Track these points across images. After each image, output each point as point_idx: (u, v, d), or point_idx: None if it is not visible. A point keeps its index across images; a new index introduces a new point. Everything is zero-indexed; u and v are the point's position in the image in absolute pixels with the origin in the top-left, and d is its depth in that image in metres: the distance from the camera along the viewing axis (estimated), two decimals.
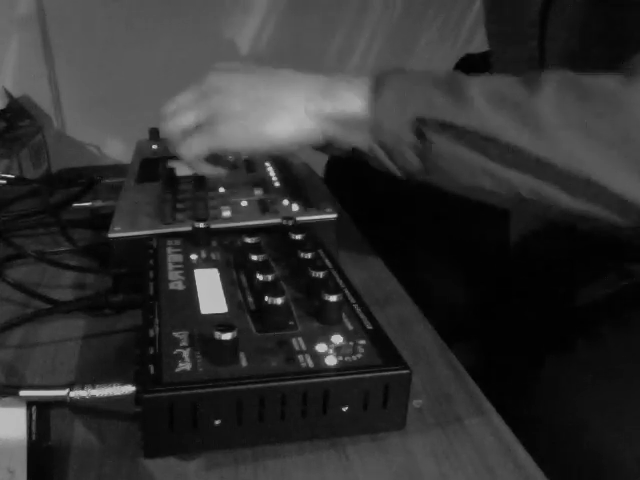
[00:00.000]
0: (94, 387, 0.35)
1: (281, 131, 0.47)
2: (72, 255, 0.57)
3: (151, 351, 0.33)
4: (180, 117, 0.50)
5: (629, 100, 0.38)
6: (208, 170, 0.53)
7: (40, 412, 0.36)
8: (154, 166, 0.68)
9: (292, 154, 0.70)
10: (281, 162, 0.68)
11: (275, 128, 0.47)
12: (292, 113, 0.47)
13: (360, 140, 0.46)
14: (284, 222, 0.50)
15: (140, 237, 0.50)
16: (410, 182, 0.47)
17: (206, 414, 0.31)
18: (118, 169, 0.79)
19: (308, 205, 0.55)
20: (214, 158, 0.52)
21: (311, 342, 0.35)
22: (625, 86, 0.38)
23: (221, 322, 0.33)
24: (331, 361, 0.33)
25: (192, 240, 0.48)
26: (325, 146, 0.49)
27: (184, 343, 0.34)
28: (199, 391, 0.31)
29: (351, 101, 0.46)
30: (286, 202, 0.55)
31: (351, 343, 0.35)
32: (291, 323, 0.37)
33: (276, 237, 0.49)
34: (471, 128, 0.41)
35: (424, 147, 0.43)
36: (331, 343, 0.35)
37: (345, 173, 0.78)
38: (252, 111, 0.47)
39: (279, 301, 0.36)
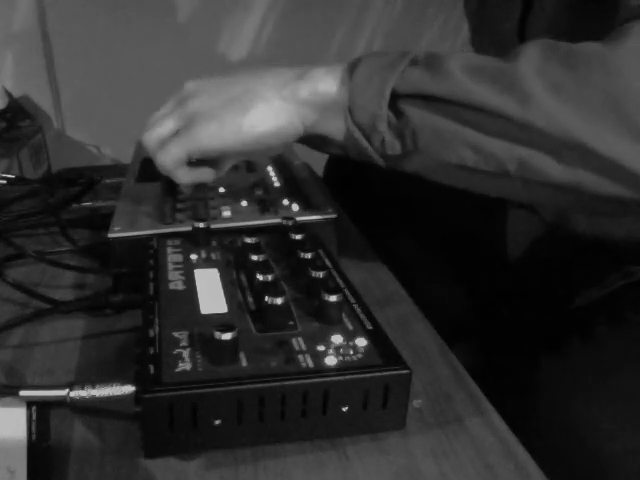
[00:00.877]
0: (94, 387, 0.35)
1: (258, 123, 0.46)
2: (72, 255, 0.57)
3: (151, 351, 0.33)
4: (158, 127, 0.49)
5: (614, 62, 0.37)
6: (190, 178, 0.50)
7: (40, 412, 0.36)
8: (154, 166, 0.68)
9: (291, 153, 0.71)
10: (281, 162, 0.69)
11: (252, 121, 0.46)
12: (267, 104, 0.46)
13: (338, 124, 0.45)
14: (284, 222, 0.50)
15: (140, 237, 0.50)
16: (398, 177, 0.46)
17: (206, 414, 0.31)
18: (118, 169, 0.79)
19: (308, 205, 0.55)
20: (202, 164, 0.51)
21: (311, 342, 0.35)
22: (610, 49, 0.37)
23: (221, 322, 0.33)
24: (331, 361, 0.33)
25: (192, 240, 0.48)
26: (319, 143, 0.49)
27: (184, 343, 0.34)
28: (199, 391, 0.31)
29: (326, 83, 0.45)
30: (286, 202, 0.55)
31: (351, 343, 0.35)
32: (291, 323, 0.37)
33: (276, 237, 0.49)
34: (450, 98, 0.40)
35: (401, 123, 0.42)
36: (331, 343, 0.35)
37: (345, 173, 0.78)
38: (228, 108, 0.46)
39: (279, 301, 0.36)
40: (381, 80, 0.42)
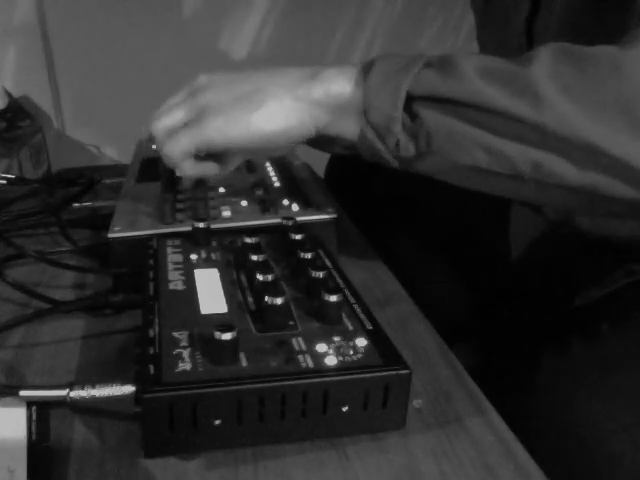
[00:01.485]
0: (94, 387, 0.35)
1: (269, 121, 0.46)
2: (72, 255, 0.57)
3: (151, 351, 0.33)
4: (167, 117, 0.48)
5: (626, 64, 0.37)
6: (194, 172, 0.50)
7: (40, 412, 0.36)
8: (154, 166, 0.68)
9: (291, 153, 0.71)
10: (281, 162, 0.69)
11: (263, 118, 0.46)
12: (279, 102, 0.46)
13: (351, 125, 0.45)
14: (284, 222, 0.50)
15: (140, 237, 0.50)
16: (406, 172, 0.46)
17: (206, 414, 0.31)
18: (118, 169, 0.79)
19: (308, 205, 0.55)
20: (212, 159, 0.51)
21: (311, 342, 0.35)
22: (622, 52, 0.38)
23: (221, 322, 0.33)
24: (331, 361, 0.33)
25: (192, 240, 0.48)
26: (325, 143, 0.49)
27: (184, 343, 0.34)
28: (199, 391, 0.31)
29: (340, 84, 0.45)
30: (286, 202, 0.55)
31: (351, 343, 0.35)
32: (291, 323, 0.37)
33: (276, 237, 0.49)
34: (464, 100, 0.40)
35: (415, 125, 0.42)
36: (331, 343, 0.35)
37: (345, 173, 0.78)
38: (238, 103, 0.46)
39: (279, 301, 0.36)
40: (396, 82, 0.42)
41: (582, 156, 0.38)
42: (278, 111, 0.46)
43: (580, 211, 0.55)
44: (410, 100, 0.42)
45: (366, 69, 0.44)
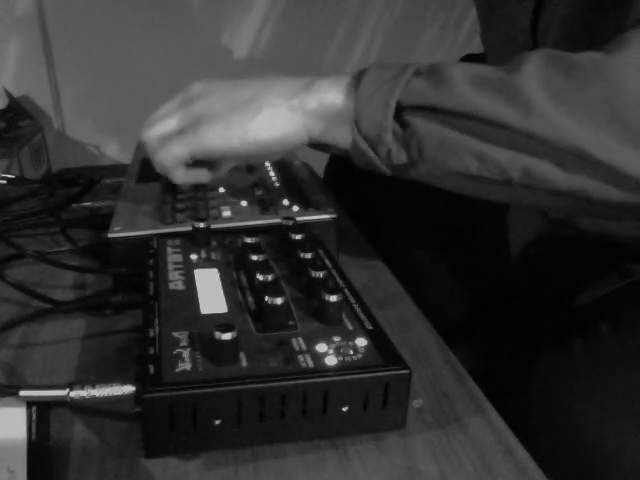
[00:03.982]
0: (94, 387, 0.35)
1: (264, 130, 0.46)
2: (72, 255, 0.57)
3: (151, 351, 0.33)
4: (161, 124, 0.49)
5: (613, 69, 0.37)
6: (186, 179, 0.51)
7: (40, 412, 0.36)
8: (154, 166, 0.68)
9: (291, 155, 0.71)
10: (281, 162, 0.69)
11: (258, 127, 0.46)
12: (275, 111, 0.46)
13: (344, 134, 0.45)
14: (284, 222, 0.50)
15: (140, 237, 0.50)
16: (399, 179, 0.46)
17: (206, 414, 0.31)
18: (118, 169, 0.79)
19: (308, 205, 0.55)
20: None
21: (311, 342, 0.35)
22: (608, 57, 0.38)
23: (221, 322, 0.33)
24: (331, 361, 0.33)
25: (192, 240, 0.48)
26: (322, 147, 0.49)
27: (184, 343, 0.34)
28: (199, 391, 0.31)
29: (333, 94, 0.45)
30: (286, 202, 0.55)
31: (351, 343, 0.35)
32: (291, 323, 0.37)
33: (276, 237, 0.49)
34: (454, 109, 0.40)
35: (406, 134, 0.43)
36: (331, 343, 0.35)
37: (345, 173, 0.78)
38: (235, 111, 0.47)
39: (279, 301, 0.36)
40: (386, 92, 0.43)
41: (571, 161, 0.39)
42: (274, 120, 0.46)
43: (574, 214, 0.56)
44: (400, 109, 0.43)
45: (357, 79, 0.45)
